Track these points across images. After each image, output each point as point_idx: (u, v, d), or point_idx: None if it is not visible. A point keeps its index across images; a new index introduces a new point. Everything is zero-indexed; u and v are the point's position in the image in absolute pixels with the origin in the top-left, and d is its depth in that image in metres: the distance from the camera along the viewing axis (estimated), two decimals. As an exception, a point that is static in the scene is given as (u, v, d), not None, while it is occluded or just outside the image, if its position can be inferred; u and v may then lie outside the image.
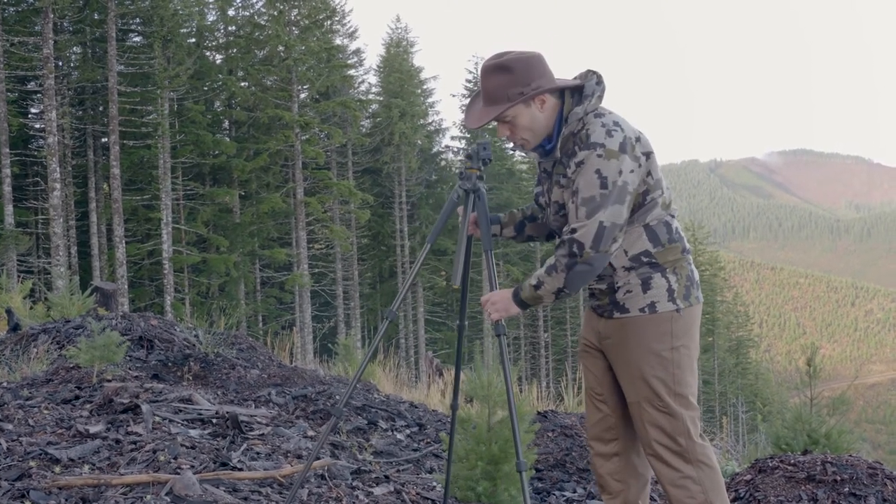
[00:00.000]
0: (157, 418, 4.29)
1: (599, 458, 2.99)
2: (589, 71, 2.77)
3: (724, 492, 2.78)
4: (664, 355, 2.71)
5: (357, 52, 38.47)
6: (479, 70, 2.76)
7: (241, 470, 3.61)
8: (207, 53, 31.68)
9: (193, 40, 29.75)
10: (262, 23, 31.29)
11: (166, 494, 3.13)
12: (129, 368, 5.97)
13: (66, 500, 3.02)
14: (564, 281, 2.62)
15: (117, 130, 24.04)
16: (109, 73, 23.89)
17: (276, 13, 30.57)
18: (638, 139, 2.66)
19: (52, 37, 22.09)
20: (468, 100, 2.91)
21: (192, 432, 4.15)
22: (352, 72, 36.40)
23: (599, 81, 2.72)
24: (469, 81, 41.19)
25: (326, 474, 3.77)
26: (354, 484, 3.76)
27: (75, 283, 10.38)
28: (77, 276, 22.68)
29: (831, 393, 5.17)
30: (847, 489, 3.62)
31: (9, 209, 21.76)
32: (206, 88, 30.36)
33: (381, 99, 38.37)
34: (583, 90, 2.71)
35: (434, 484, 4.16)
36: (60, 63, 25.95)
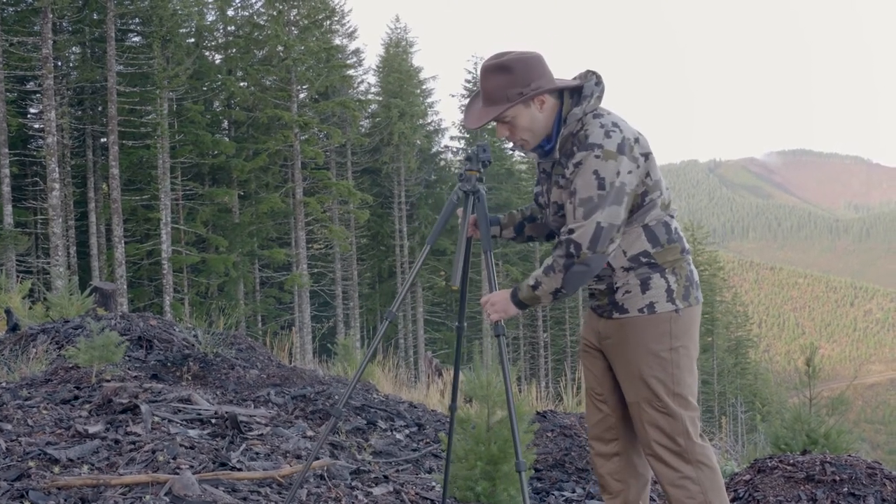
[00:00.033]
0: (156, 418, 4.29)
1: (600, 458, 2.99)
2: (588, 71, 2.77)
3: (724, 492, 2.78)
4: (663, 356, 2.72)
5: (356, 52, 38.50)
6: (479, 70, 2.76)
7: (240, 470, 3.61)
8: (206, 53, 31.69)
9: (192, 40, 29.74)
10: (262, 23, 31.29)
11: (165, 495, 3.13)
12: (128, 368, 5.97)
13: (65, 500, 3.02)
14: (562, 281, 2.63)
15: (116, 130, 24.03)
16: (108, 73, 23.88)
17: (275, 13, 30.56)
18: (637, 140, 2.65)
19: (51, 37, 22.07)
20: (467, 100, 2.90)
21: (191, 432, 4.15)
22: (351, 72, 36.39)
23: (598, 82, 2.72)
24: (468, 81, 41.19)
25: (325, 474, 3.77)
26: (353, 484, 3.76)
27: (74, 284, 10.38)
28: (76, 277, 22.69)
29: (830, 393, 5.17)
30: (846, 489, 3.63)
31: (8, 209, 21.75)
32: (205, 88, 30.36)
33: (381, 99, 38.37)
34: (582, 91, 2.71)
35: (433, 484, 4.16)
36: (59, 63, 25.93)
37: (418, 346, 35.42)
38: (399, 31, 41.57)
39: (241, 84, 30.69)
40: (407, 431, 5.61)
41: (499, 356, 2.95)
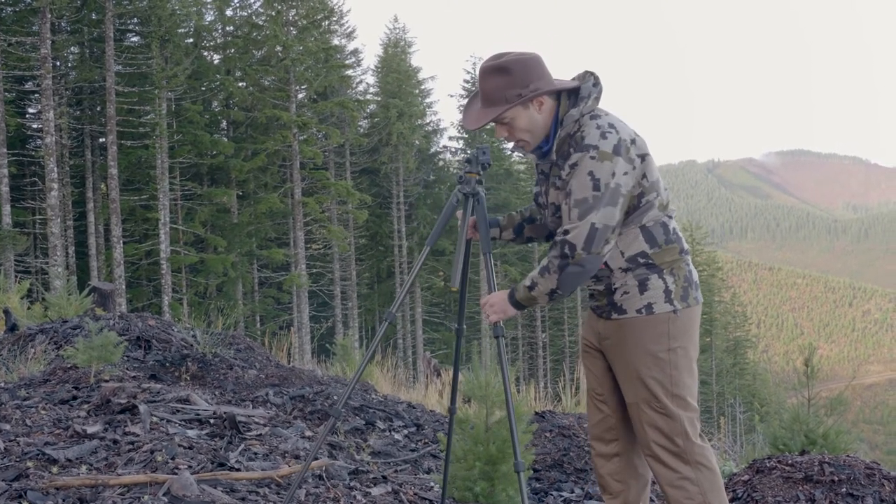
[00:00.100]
0: (155, 418, 4.29)
1: (600, 459, 2.99)
2: (586, 72, 2.77)
3: (723, 493, 2.78)
4: (661, 356, 2.72)
5: (355, 52, 38.46)
6: (478, 71, 2.76)
7: (238, 470, 3.60)
8: (205, 53, 31.67)
9: (191, 40, 29.74)
10: (260, 23, 31.26)
11: (164, 495, 3.13)
12: (127, 368, 5.97)
13: (64, 500, 3.02)
14: (557, 282, 2.63)
15: (115, 130, 24.01)
16: (107, 73, 23.86)
17: (273, 13, 30.55)
18: (633, 141, 2.65)
19: (49, 37, 22.05)
20: (466, 100, 2.90)
21: (190, 432, 4.14)
22: (350, 72, 36.37)
23: (596, 83, 2.72)
24: (467, 82, 41.21)
25: (324, 475, 3.77)
26: (352, 484, 3.76)
27: (73, 284, 10.39)
28: (74, 277, 22.71)
29: (829, 393, 5.17)
30: (844, 489, 3.63)
31: (6, 209, 21.73)
32: (203, 88, 30.34)
33: (379, 99, 38.35)
34: (579, 92, 2.71)
35: (432, 484, 4.16)
36: (58, 63, 25.91)
37: (417, 347, 35.42)
38: (398, 31, 41.60)
39: (240, 84, 30.69)
40: (405, 432, 5.61)
41: (497, 357, 2.95)
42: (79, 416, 4.34)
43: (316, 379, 6.79)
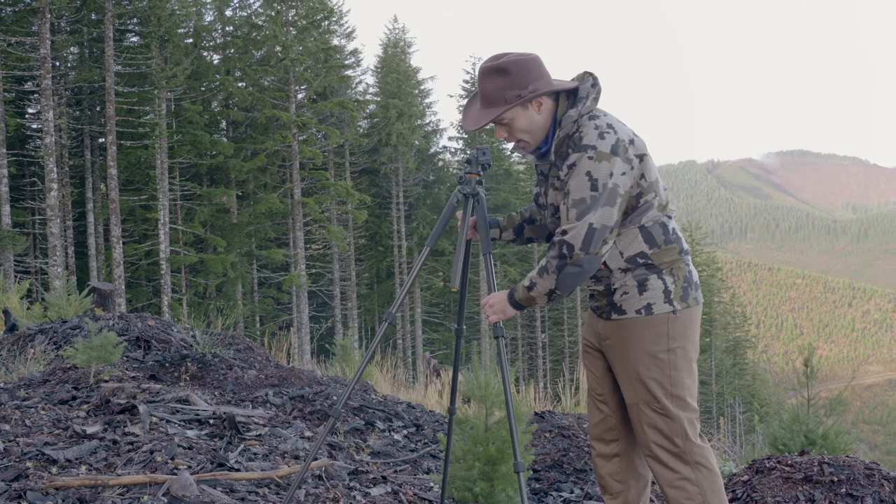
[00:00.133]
0: (155, 419, 4.29)
1: (600, 459, 2.99)
2: (585, 73, 2.77)
3: (723, 493, 2.78)
4: (660, 357, 2.72)
5: (354, 52, 38.48)
6: (477, 72, 2.76)
7: (238, 470, 3.61)
8: (205, 53, 31.65)
9: (191, 40, 29.71)
10: (260, 23, 31.27)
11: (163, 495, 3.13)
12: (126, 369, 5.97)
13: (63, 500, 3.02)
14: (555, 282, 2.63)
15: (114, 131, 24.00)
16: (107, 73, 23.85)
17: (273, 13, 30.56)
18: (632, 142, 2.66)
19: (49, 37, 22.03)
20: (466, 101, 2.90)
21: (190, 433, 4.14)
22: (349, 72, 36.37)
23: (595, 83, 2.72)
24: (466, 82, 41.21)
25: (324, 475, 3.77)
26: (352, 484, 3.76)
27: (72, 284, 10.38)
28: (74, 277, 22.71)
29: (828, 394, 5.17)
30: (844, 490, 3.63)
31: (6, 209, 21.72)
32: (203, 89, 30.33)
33: (379, 99, 38.35)
34: (577, 93, 2.71)
35: (431, 484, 4.16)
36: (58, 63, 25.91)
37: (416, 347, 35.42)
38: (397, 31, 41.63)
39: (240, 84, 30.69)
40: (405, 432, 5.61)
41: (497, 357, 2.95)
42: (78, 417, 4.34)
43: (315, 379, 6.78)
